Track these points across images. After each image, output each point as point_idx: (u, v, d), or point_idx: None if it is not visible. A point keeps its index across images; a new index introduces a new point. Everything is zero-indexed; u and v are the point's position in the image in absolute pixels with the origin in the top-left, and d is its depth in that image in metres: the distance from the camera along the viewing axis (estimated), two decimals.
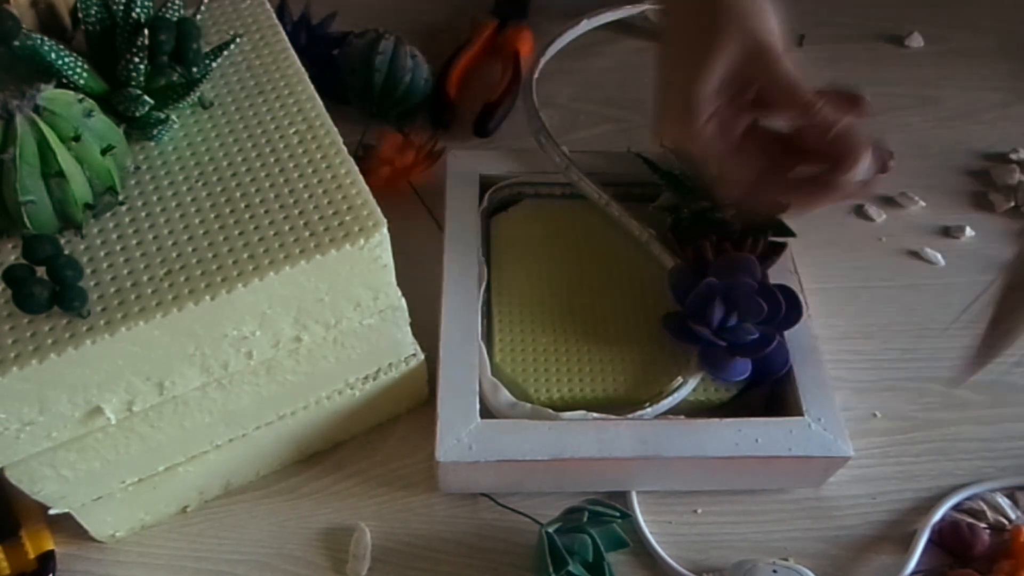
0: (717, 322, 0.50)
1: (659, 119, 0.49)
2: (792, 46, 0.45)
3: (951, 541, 0.49)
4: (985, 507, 0.51)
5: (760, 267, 0.51)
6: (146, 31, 0.39)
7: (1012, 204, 0.66)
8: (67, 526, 0.46)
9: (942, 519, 0.50)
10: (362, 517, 0.50)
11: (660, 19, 0.52)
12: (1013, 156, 0.69)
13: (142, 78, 0.41)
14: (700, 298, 0.51)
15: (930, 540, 0.50)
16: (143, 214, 0.40)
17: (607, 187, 0.57)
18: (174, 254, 0.38)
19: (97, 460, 0.42)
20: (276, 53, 0.46)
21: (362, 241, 0.39)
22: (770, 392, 0.52)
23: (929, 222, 0.66)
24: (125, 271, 0.37)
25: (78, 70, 0.40)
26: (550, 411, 0.48)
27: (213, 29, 0.46)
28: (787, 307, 0.50)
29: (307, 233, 0.39)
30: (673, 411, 0.50)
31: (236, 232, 0.39)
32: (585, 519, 0.47)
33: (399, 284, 0.45)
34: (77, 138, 0.36)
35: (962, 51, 0.78)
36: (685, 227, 0.55)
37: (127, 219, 0.39)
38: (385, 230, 0.40)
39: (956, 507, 0.51)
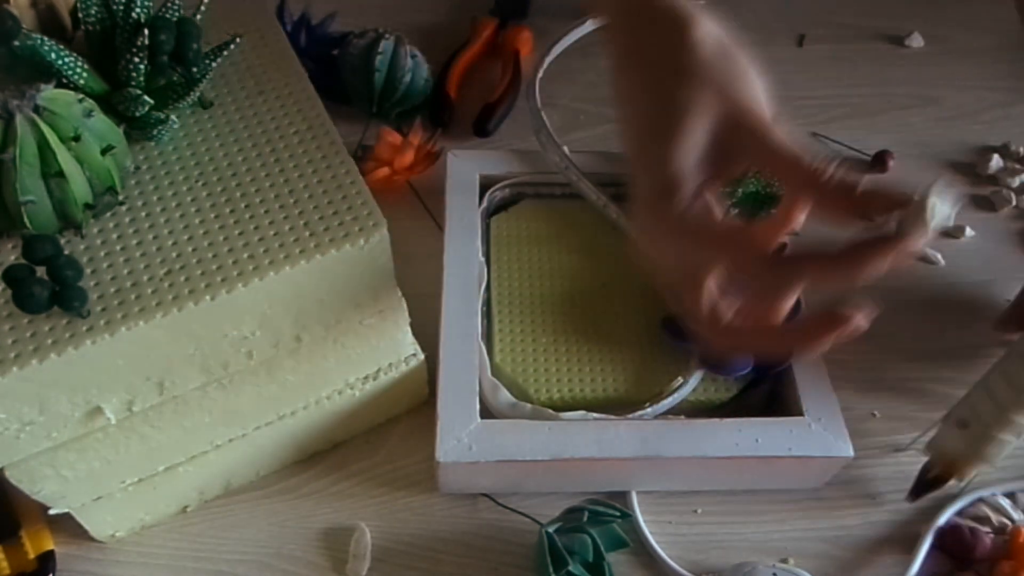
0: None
1: (633, 210, 0.38)
2: (781, 115, 0.36)
3: (952, 545, 0.49)
4: (988, 511, 0.51)
5: None
6: (146, 31, 0.39)
7: (1013, 204, 0.66)
8: (67, 526, 0.46)
9: (945, 523, 0.50)
10: (362, 517, 0.50)
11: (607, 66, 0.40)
12: (1013, 156, 0.69)
13: (142, 78, 0.41)
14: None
15: (932, 544, 0.50)
16: (143, 214, 0.40)
17: (607, 187, 0.57)
18: (174, 254, 0.38)
19: (97, 460, 0.42)
20: (276, 53, 0.46)
21: (362, 241, 0.39)
22: (770, 392, 0.52)
23: None
24: (125, 271, 0.37)
25: (78, 70, 0.40)
26: (550, 411, 0.48)
27: (213, 29, 0.46)
28: None
29: (307, 233, 0.39)
30: (673, 411, 0.50)
31: (236, 232, 0.39)
32: (585, 519, 0.47)
33: (399, 284, 0.45)
34: (77, 138, 0.36)
35: (962, 51, 0.78)
36: None
37: (127, 219, 0.39)
38: (385, 230, 0.40)
39: (960, 511, 0.51)
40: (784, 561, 0.49)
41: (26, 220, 0.36)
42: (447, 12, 0.78)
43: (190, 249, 0.38)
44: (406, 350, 0.50)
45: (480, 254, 0.54)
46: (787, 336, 0.36)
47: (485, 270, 0.54)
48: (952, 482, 0.49)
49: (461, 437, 0.46)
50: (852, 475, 0.52)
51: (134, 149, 0.42)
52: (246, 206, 0.40)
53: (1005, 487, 0.52)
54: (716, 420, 0.48)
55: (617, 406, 0.49)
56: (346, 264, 0.40)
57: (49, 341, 0.35)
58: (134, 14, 0.41)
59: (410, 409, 0.54)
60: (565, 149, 0.58)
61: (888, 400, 0.56)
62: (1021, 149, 0.69)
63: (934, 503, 0.51)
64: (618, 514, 0.48)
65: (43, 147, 0.35)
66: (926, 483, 0.50)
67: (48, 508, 0.43)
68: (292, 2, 0.69)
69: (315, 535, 0.49)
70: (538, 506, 0.50)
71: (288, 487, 0.51)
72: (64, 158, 0.36)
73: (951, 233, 0.65)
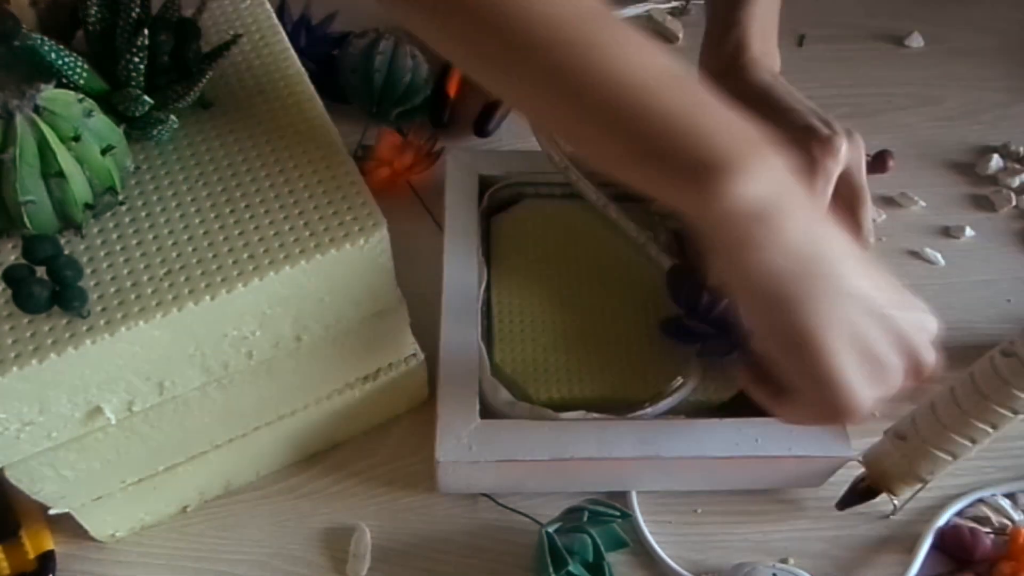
0: (705, 308, 0.50)
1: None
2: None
3: (952, 545, 0.49)
4: (988, 511, 0.51)
5: None
6: (146, 31, 0.39)
7: (1013, 204, 0.66)
8: (67, 526, 0.46)
9: (945, 523, 0.50)
10: (362, 517, 0.50)
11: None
12: (1013, 156, 0.69)
13: (142, 78, 0.41)
14: (690, 292, 0.51)
15: (932, 545, 0.50)
16: (143, 214, 0.40)
17: (606, 187, 0.57)
18: (174, 254, 0.38)
19: (97, 460, 0.42)
20: (276, 53, 0.46)
21: (362, 241, 0.39)
22: None
23: (929, 222, 0.66)
24: (125, 271, 0.37)
25: (78, 70, 0.40)
26: (550, 411, 0.48)
27: (213, 29, 0.46)
28: None
29: (307, 233, 0.39)
30: (673, 411, 0.50)
31: (236, 232, 0.39)
32: (585, 519, 0.47)
33: (399, 284, 0.45)
34: (77, 138, 0.36)
35: (962, 51, 0.78)
36: (683, 228, 0.55)
37: (127, 219, 0.39)
38: (385, 230, 0.40)
39: (960, 512, 0.51)
40: (784, 561, 0.49)
41: (26, 220, 0.36)
42: None
43: (190, 249, 0.38)
44: (406, 350, 0.50)
45: (480, 254, 0.54)
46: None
47: (485, 270, 0.54)
48: (884, 497, 0.49)
49: (461, 437, 0.46)
50: (852, 475, 0.52)
51: (134, 149, 0.42)
52: (246, 206, 0.40)
53: (1005, 487, 0.52)
54: (716, 420, 0.48)
55: (617, 406, 0.49)
56: (346, 264, 0.40)
57: (49, 341, 0.35)
58: (134, 14, 0.41)
59: (410, 409, 0.54)
60: (565, 148, 0.58)
61: (888, 400, 0.56)
62: (1021, 149, 0.69)
63: (934, 503, 0.51)
64: (618, 514, 0.48)
65: (43, 147, 0.35)
66: (857, 493, 0.49)
67: (48, 508, 0.43)
68: (292, 2, 0.69)
69: (315, 535, 0.49)
70: (538, 506, 0.50)
71: (288, 487, 0.51)
72: (64, 158, 0.36)
73: (951, 233, 0.65)
